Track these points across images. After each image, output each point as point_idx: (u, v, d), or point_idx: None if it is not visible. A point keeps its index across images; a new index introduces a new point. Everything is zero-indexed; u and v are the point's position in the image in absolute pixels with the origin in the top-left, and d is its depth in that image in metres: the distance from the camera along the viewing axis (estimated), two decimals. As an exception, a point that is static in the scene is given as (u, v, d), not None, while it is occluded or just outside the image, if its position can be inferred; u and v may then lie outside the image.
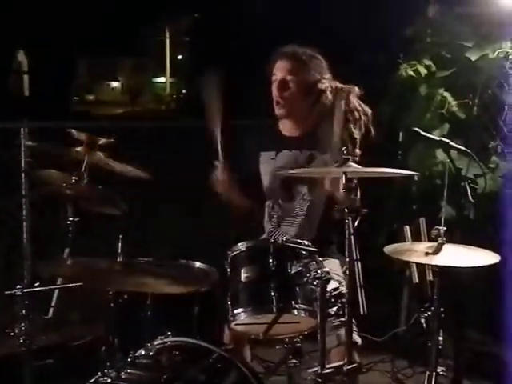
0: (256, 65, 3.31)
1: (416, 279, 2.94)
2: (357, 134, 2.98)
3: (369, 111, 3.06)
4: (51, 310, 3.25)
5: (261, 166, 3.23)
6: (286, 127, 3.23)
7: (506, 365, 3.92)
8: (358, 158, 2.80)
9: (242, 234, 2.86)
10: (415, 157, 4.36)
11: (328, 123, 2.98)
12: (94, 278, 2.40)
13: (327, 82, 3.11)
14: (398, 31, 4.56)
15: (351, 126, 2.99)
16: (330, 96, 3.07)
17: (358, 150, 2.89)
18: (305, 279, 2.45)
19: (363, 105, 3.06)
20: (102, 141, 3.01)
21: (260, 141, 3.25)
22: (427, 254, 2.58)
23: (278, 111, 3.16)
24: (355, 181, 2.51)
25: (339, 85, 3.09)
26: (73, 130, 2.99)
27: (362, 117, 3.03)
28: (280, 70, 3.13)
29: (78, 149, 2.98)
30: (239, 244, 2.61)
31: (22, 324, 2.61)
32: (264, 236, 3.19)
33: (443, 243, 2.60)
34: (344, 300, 2.44)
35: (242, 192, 3.21)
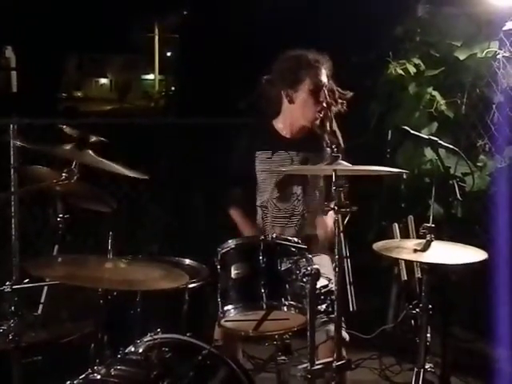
0: (245, 62, 3.32)
1: (404, 276, 2.96)
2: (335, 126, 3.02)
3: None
4: (40, 307, 3.24)
5: (256, 165, 3.23)
6: (294, 128, 3.22)
7: (493, 362, 3.95)
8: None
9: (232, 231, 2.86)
10: (404, 155, 4.38)
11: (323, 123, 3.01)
12: (83, 276, 2.39)
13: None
14: (388, 30, 4.58)
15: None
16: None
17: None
18: (294, 276, 2.47)
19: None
20: (93, 139, 2.99)
21: (257, 140, 3.25)
22: (416, 251, 2.59)
23: (319, 117, 3.14)
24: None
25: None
26: (64, 127, 2.96)
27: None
28: (325, 76, 3.15)
29: (68, 146, 2.95)
30: (229, 241, 2.62)
31: (11, 321, 2.59)
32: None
33: (431, 241, 2.62)
34: (333, 297, 2.46)
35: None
